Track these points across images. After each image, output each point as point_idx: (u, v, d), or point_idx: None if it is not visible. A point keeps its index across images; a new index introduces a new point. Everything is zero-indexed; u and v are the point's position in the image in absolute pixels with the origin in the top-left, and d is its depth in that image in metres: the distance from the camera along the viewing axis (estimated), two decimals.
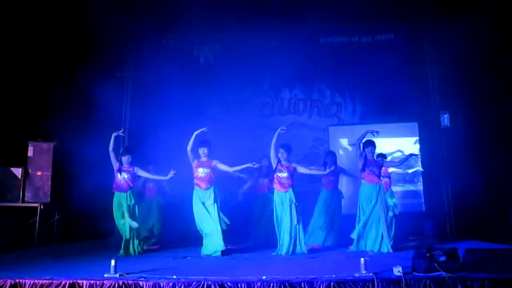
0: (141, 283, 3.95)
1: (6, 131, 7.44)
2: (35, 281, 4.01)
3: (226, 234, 6.20)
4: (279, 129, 6.24)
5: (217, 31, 9.20)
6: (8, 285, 4.01)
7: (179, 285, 3.90)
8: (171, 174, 6.19)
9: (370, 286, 3.86)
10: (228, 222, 6.14)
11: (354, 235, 6.19)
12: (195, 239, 6.93)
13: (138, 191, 6.84)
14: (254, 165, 6.15)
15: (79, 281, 3.99)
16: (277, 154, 6.21)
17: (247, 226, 7.48)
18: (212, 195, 6.12)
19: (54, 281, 4.00)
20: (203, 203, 6.10)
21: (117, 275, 4.19)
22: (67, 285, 3.97)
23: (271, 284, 3.86)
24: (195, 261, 5.55)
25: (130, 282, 3.96)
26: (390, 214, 6.90)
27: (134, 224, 6.19)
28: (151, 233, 7.25)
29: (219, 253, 5.95)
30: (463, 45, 7.49)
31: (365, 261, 4.20)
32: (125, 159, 6.35)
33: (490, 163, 7.17)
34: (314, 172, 6.77)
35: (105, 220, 7.52)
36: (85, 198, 7.55)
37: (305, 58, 8.90)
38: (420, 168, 7.94)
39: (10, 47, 7.50)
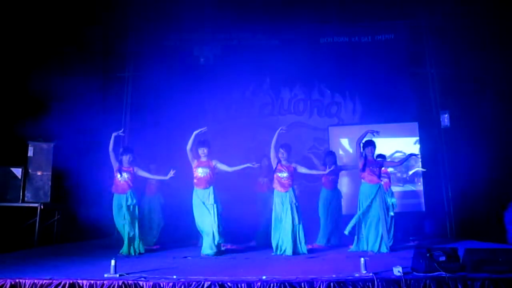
0: (141, 283, 3.95)
1: (6, 131, 7.43)
2: (35, 281, 4.01)
3: (226, 234, 6.20)
4: (279, 129, 6.25)
5: (217, 31, 9.20)
6: (8, 285, 4.01)
7: (179, 285, 3.90)
8: (171, 174, 6.19)
9: (370, 286, 3.87)
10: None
11: (346, 231, 6.17)
12: (195, 239, 6.95)
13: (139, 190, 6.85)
14: (254, 165, 6.15)
15: (79, 281, 3.99)
16: (277, 154, 6.21)
17: (247, 226, 7.48)
18: (212, 195, 6.12)
19: (54, 281, 4.00)
20: (203, 203, 6.11)
21: (117, 275, 4.19)
22: (67, 285, 3.97)
23: (271, 284, 3.86)
24: (195, 261, 5.55)
25: (130, 282, 3.97)
26: (391, 213, 6.91)
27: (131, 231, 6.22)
28: (151, 233, 7.25)
29: (219, 253, 5.96)
30: (463, 45, 7.50)
31: (365, 261, 4.20)
32: (125, 158, 6.35)
33: (490, 163, 7.16)
34: (314, 172, 6.78)
35: (105, 220, 7.53)
36: (85, 198, 7.55)
37: (305, 58, 8.90)
38: (420, 168, 7.94)
39: (10, 47, 7.49)
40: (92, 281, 3.99)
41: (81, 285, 3.97)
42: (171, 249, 6.71)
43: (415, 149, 8.20)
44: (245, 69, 8.98)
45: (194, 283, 3.90)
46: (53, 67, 7.85)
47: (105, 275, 4.18)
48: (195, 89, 9.04)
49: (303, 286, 3.85)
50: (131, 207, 6.26)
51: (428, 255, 4.14)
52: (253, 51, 9.15)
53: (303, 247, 6.04)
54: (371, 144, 6.35)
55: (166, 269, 4.65)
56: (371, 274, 4.02)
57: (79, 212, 7.64)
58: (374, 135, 6.32)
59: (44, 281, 4.01)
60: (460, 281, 3.88)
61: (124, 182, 6.27)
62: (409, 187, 8.46)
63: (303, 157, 8.49)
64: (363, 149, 6.34)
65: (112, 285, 3.96)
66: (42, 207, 7.31)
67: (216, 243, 6.05)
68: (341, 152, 8.61)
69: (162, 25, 8.96)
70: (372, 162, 6.32)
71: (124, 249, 6.16)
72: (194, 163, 6.22)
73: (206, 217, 6.07)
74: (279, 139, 6.24)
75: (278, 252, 6.00)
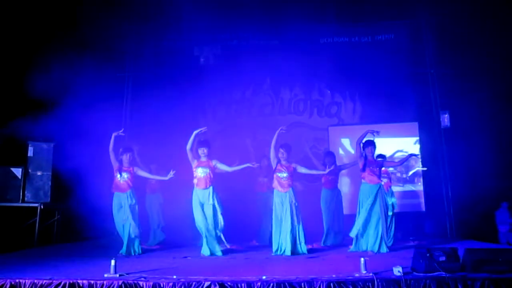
0: (141, 283, 3.95)
1: (6, 131, 7.43)
2: (35, 281, 4.02)
3: (226, 234, 6.20)
4: (279, 129, 6.24)
5: (217, 31, 9.20)
6: (8, 285, 4.01)
7: (179, 285, 3.91)
8: (171, 174, 6.19)
9: (370, 286, 3.87)
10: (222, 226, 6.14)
11: (353, 234, 6.19)
12: (195, 239, 6.94)
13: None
14: (254, 165, 6.15)
15: (79, 281, 3.99)
16: (277, 154, 6.21)
17: (247, 226, 7.48)
18: (212, 195, 6.12)
19: (54, 281, 4.01)
20: (202, 203, 6.11)
21: (117, 275, 4.19)
22: (67, 285, 3.97)
23: (271, 284, 3.87)
24: (195, 261, 5.55)
25: (130, 282, 3.97)
26: (390, 213, 6.92)
27: (134, 230, 6.22)
28: (151, 233, 7.25)
29: (219, 253, 5.96)
30: (463, 45, 7.50)
31: (365, 261, 4.20)
32: (125, 158, 6.35)
33: (490, 163, 7.17)
34: (314, 172, 6.78)
35: (105, 220, 7.53)
36: (85, 198, 7.54)
37: (305, 58, 8.89)
38: (421, 168, 7.93)
39: (9, 47, 7.49)
40: (92, 281, 3.99)
41: (81, 285, 3.98)
42: (171, 249, 6.71)
43: (415, 149, 8.20)
44: (245, 69, 8.97)
45: (194, 283, 3.91)
46: (53, 67, 7.85)
47: (105, 275, 4.18)
48: (195, 89, 9.04)
49: (303, 286, 3.85)
50: (131, 207, 6.26)
51: (428, 255, 4.14)
52: (253, 51, 9.14)
53: (303, 247, 6.04)
54: (371, 144, 6.35)
55: (166, 269, 4.65)
56: (371, 274, 4.02)
57: (79, 212, 7.65)
58: (374, 135, 6.32)
59: (44, 281, 4.01)
60: (460, 281, 3.89)
61: (124, 182, 6.27)
62: (409, 187, 8.46)
63: (303, 157, 8.49)
64: (363, 149, 6.33)
65: (112, 285, 3.96)
66: (42, 207, 7.32)
67: (216, 243, 6.05)
68: (341, 152, 8.61)
69: (162, 25, 8.96)
70: (372, 162, 6.31)
71: (124, 249, 6.16)
72: (194, 163, 6.22)
73: (205, 217, 6.07)
74: (279, 139, 6.24)
75: (278, 252, 6.00)
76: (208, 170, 6.16)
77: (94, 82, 7.78)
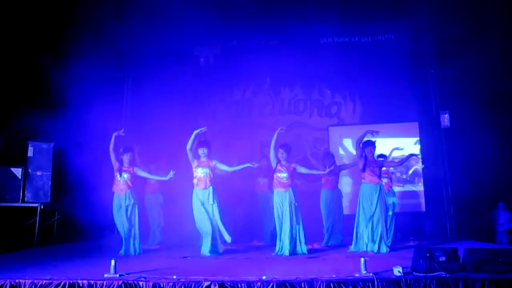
0: (141, 283, 3.95)
1: (6, 131, 7.43)
2: (35, 281, 4.01)
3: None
4: (278, 129, 6.24)
5: (217, 31, 9.19)
6: (8, 285, 4.01)
7: (179, 285, 3.90)
8: (170, 174, 6.19)
9: (370, 286, 3.87)
10: (229, 240, 6.10)
11: (354, 235, 6.20)
12: (195, 239, 6.94)
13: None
14: (254, 165, 6.15)
15: (79, 281, 3.99)
16: (276, 154, 6.21)
17: (247, 226, 7.48)
18: (211, 195, 6.12)
19: (54, 281, 4.00)
20: (203, 203, 6.11)
21: (117, 275, 4.19)
22: (67, 285, 3.97)
23: (271, 284, 3.86)
24: (195, 261, 5.55)
25: (130, 282, 3.97)
26: (390, 213, 6.92)
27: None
28: (151, 233, 7.25)
29: (218, 253, 5.96)
30: (463, 45, 7.50)
31: (365, 261, 4.20)
32: (125, 157, 6.35)
33: (490, 163, 7.17)
34: (314, 172, 6.79)
35: (105, 220, 7.53)
36: (85, 198, 7.55)
37: (305, 58, 8.90)
38: (420, 165, 7.90)
39: (10, 47, 7.49)
40: (92, 281, 3.99)
41: (81, 285, 3.97)
42: (171, 249, 6.70)
43: (415, 149, 8.20)
44: (245, 69, 8.98)
45: (194, 283, 3.90)
46: (53, 67, 7.86)
47: (105, 275, 4.18)
48: (195, 89, 9.04)
49: (303, 286, 3.85)
50: (130, 207, 6.26)
51: (428, 255, 4.14)
52: (253, 51, 9.14)
53: (303, 247, 6.04)
54: (370, 144, 6.34)
55: (166, 269, 4.64)
56: (371, 274, 4.01)
57: (79, 212, 7.65)
58: (373, 135, 6.32)
59: (44, 281, 4.01)
60: (460, 281, 3.88)
61: (123, 182, 6.27)
62: (409, 187, 8.46)
63: (303, 157, 8.49)
64: (363, 149, 6.33)
65: (112, 285, 3.96)
66: (42, 207, 7.31)
67: (215, 243, 6.05)
68: (341, 152, 8.61)
69: (162, 25, 8.96)
70: (372, 162, 6.31)
71: (124, 249, 6.16)
72: (194, 163, 6.22)
73: (205, 217, 6.07)
74: (278, 139, 6.24)
75: (279, 252, 6.00)
76: (208, 170, 6.16)
77: (94, 82, 7.79)
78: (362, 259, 4.23)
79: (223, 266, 4.99)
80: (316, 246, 6.86)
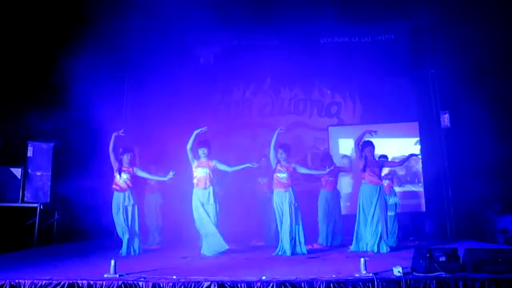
0: (141, 283, 3.94)
1: (6, 131, 7.43)
2: (35, 281, 4.01)
3: (226, 234, 6.19)
4: (278, 129, 6.24)
5: (217, 31, 9.19)
6: (8, 285, 4.01)
7: (179, 285, 3.90)
8: (170, 174, 6.19)
9: (370, 286, 3.86)
10: (227, 247, 6.04)
11: (354, 235, 6.21)
12: (195, 239, 6.94)
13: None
14: (254, 165, 6.16)
15: (78, 281, 3.98)
16: (276, 154, 6.21)
17: (247, 226, 7.48)
18: (211, 195, 6.12)
19: (53, 281, 4.00)
20: (202, 204, 6.11)
21: (117, 275, 4.18)
22: (66, 285, 3.97)
23: (271, 284, 3.86)
24: (195, 261, 5.55)
25: (130, 282, 3.96)
26: (392, 213, 6.93)
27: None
28: (151, 233, 7.25)
29: (218, 253, 5.96)
30: (463, 45, 7.49)
31: (365, 261, 4.20)
32: (125, 158, 6.35)
33: (490, 163, 7.16)
34: (314, 172, 6.80)
35: (105, 220, 7.52)
36: (85, 198, 7.54)
37: (305, 58, 8.90)
38: (417, 154, 7.79)
39: (10, 47, 7.49)
40: (91, 281, 3.98)
41: (80, 285, 3.97)
42: (171, 249, 6.70)
43: (416, 149, 8.20)
44: (245, 69, 8.98)
45: (194, 283, 3.90)
46: (52, 67, 7.86)
47: (105, 275, 4.18)
48: (195, 89, 9.03)
49: (303, 286, 3.85)
50: (130, 207, 6.26)
51: (428, 255, 4.14)
52: (253, 51, 9.14)
53: (302, 248, 6.03)
54: (370, 144, 6.34)
55: (166, 269, 4.64)
56: (371, 274, 4.01)
57: (79, 212, 7.65)
58: (372, 135, 6.32)
59: (44, 281, 4.00)
60: (460, 281, 3.88)
61: (123, 182, 6.27)
62: (409, 187, 8.46)
63: (303, 157, 8.50)
64: (363, 150, 6.33)
65: (111, 285, 3.95)
66: (41, 207, 7.31)
67: (216, 242, 6.04)
68: (341, 152, 8.60)
69: (162, 25, 8.96)
70: (372, 163, 6.31)
71: (124, 249, 6.16)
72: (194, 163, 6.23)
73: (205, 218, 6.07)
74: (278, 139, 6.24)
75: (279, 253, 6.00)
76: (208, 170, 6.17)
77: (94, 82, 7.77)
78: (362, 259, 4.22)
79: (223, 266, 4.99)
80: (316, 246, 6.86)
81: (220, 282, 3.88)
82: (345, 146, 8.60)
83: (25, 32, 7.65)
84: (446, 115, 8.39)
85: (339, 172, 7.29)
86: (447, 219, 8.32)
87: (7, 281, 4.03)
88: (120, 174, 6.26)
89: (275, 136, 6.20)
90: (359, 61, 8.87)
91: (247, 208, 7.50)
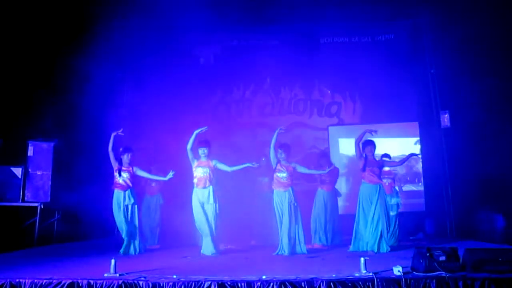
0: (141, 283, 3.95)
1: (6, 131, 7.43)
2: (35, 281, 4.01)
3: (226, 234, 6.20)
4: (278, 129, 6.25)
5: (217, 31, 9.19)
6: (8, 285, 4.01)
7: (179, 285, 3.90)
8: (170, 174, 6.20)
9: (370, 286, 3.87)
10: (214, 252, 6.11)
11: (353, 235, 6.21)
12: (195, 239, 6.94)
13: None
14: (254, 165, 6.17)
15: (78, 281, 3.99)
16: (276, 154, 6.21)
17: (247, 226, 7.47)
18: (211, 195, 6.13)
19: (53, 281, 4.00)
20: (202, 203, 6.12)
21: (117, 275, 4.19)
22: (66, 285, 3.97)
23: (271, 284, 3.86)
24: (195, 261, 5.55)
25: (130, 282, 3.97)
26: (393, 213, 6.94)
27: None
28: (151, 232, 7.25)
29: (217, 253, 5.96)
30: (463, 45, 7.49)
31: (365, 261, 4.20)
32: (125, 157, 6.35)
33: (490, 163, 7.16)
34: (314, 171, 6.81)
35: (105, 220, 7.53)
36: (85, 198, 7.54)
37: (305, 58, 8.90)
38: (417, 153, 7.77)
39: (10, 47, 7.49)
40: (91, 281, 3.99)
41: (80, 284, 3.97)
42: (171, 249, 6.70)
43: (416, 149, 8.20)
44: (245, 69, 8.99)
45: (194, 283, 3.90)
46: (52, 67, 7.86)
47: (105, 275, 4.18)
48: (195, 89, 9.03)
49: (303, 286, 3.85)
50: (130, 206, 6.26)
51: (428, 254, 4.14)
52: (253, 51, 9.15)
53: (302, 247, 6.04)
54: (370, 143, 6.35)
55: (166, 269, 4.64)
56: (371, 274, 4.01)
57: (79, 211, 7.65)
58: (372, 135, 6.33)
59: (44, 281, 4.01)
60: (460, 281, 3.88)
61: (123, 181, 6.28)
62: (409, 187, 8.46)
63: (303, 157, 8.50)
64: (363, 149, 6.34)
65: (112, 285, 3.95)
66: (42, 206, 7.31)
67: (216, 242, 6.05)
68: (341, 152, 8.61)
69: (162, 25, 8.96)
70: (372, 162, 6.31)
71: (124, 249, 6.16)
72: (194, 163, 6.24)
73: (205, 217, 6.08)
74: (278, 139, 6.25)
75: (279, 252, 6.00)
76: (208, 170, 6.18)
77: (94, 82, 7.77)
78: (362, 258, 4.23)
79: (223, 266, 4.99)
80: (316, 246, 6.86)
81: (220, 282, 3.88)
82: (345, 146, 8.61)
83: (25, 32, 7.65)
84: (446, 115, 8.38)
85: (338, 172, 7.30)
86: (447, 219, 8.32)
87: (8, 280, 4.03)
88: (120, 173, 6.27)
89: (275, 136, 6.21)
90: (359, 61, 8.86)
91: (247, 208, 7.50)
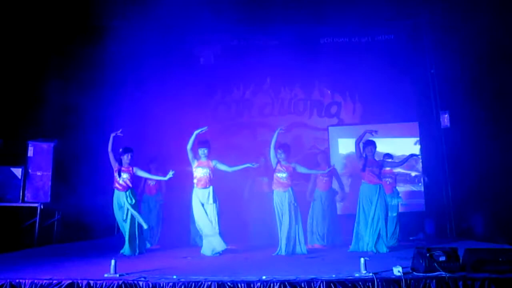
0: (141, 283, 3.95)
1: (6, 131, 7.43)
2: (35, 281, 4.01)
3: (226, 234, 6.20)
4: (278, 129, 6.26)
5: (217, 31, 9.19)
6: (8, 285, 4.01)
7: (179, 285, 3.90)
8: (170, 174, 6.20)
9: (370, 286, 3.86)
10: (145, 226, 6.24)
11: (353, 235, 6.21)
12: (195, 239, 6.95)
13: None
14: (253, 165, 6.17)
15: (79, 281, 3.99)
16: (276, 154, 6.21)
17: (247, 226, 7.48)
18: (211, 195, 6.13)
19: (54, 281, 4.00)
20: (202, 203, 6.11)
21: (117, 275, 4.19)
22: (67, 285, 3.97)
23: (271, 284, 3.86)
24: (195, 261, 5.55)
25: (130, 282, 3.97)
26: (394, 214, 6.94)
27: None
28: (151, 232, 7.25)
29: (218, 253, 5.96)
30: (463, 45, 7.48)
31: (365, 261, 4.20)
32: (125, 157, 6.35)
33: (490, 163, 7.15)
34: (314, 171, 6.81)
35: (105, 220, 7.53)
36: (85, 198, 7.54)
37: (305, 58, 8.90)
38: (417, 154, 7.76)
39: (10, 47, 7.49)
40: (92, 281, 3.99)
41: (80, 285, 3.97)
42: (171, 249, 6.71)
43: (416, 149, 8.20)
44: (245, 69, 8.99)
45: (194, 283, 3.90)
46: (52, 67, 7.86)
47: (105, 275, 4.18)
48: (195, 89, 9.03)
49: (303, 286, 3.85)
50: (131, 206, 6.26)
51: (428, 255, 4.14)
52: (253, 51, 9.15)
53: (302, 247, 6.04)
54: (371, 144, 6.35)
55: (166, 269, 4.65)
56: (371, 274, 4.01)
57: (79, 211, 7.65)
58: (372, 135, 6.33)
59: (44, 281, 4.00)
60: (460, 281, 3.88)
61: (123, 182, 6.28)
62: (409, 187, 8.46)
63: (303, 157, 8.50)
64: (364, 149, 6.34)
65: (112, 285, 3.95)
66: (42, 207, 7.31)
67: (216, 242, 6.05)
68: (341, 151, 8.61)
69: (162, 25, 8.95)
70: (372, 162, 6.31)
71: (125, 249, 6.16)
72: (194, 163, 6.24)
73: (205, 217, 6.08)
74: (278, 139, 6.25)
75: (279, 253, 6.00)
76: (208, 170, 6.18)
77: (93, 82, 7.78)
78: (362, 259, 4.22)
79: (223, 266, 4.99)
80: (316, 246, 6.87)
81: (220, 282, 3.88)
82: (345, 146, 8.61)
83: (25, 32, 7.65)
84: (446, 115, 8.38)
85: (336, 171, 7.31)
86: (447, 219, 8.32)
87: (8, 281, 4.03)
88: (120, 174, 6.27)
89: (275, 136, 6.22)
90: (359, 61, 8.87)
91: (247, 208, 7.51)
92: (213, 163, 6.22)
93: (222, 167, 6.26)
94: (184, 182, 6.70)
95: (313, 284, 3.84)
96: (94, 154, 7.46)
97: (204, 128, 6.21)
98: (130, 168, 6.35)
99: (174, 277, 4.04)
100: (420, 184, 8.45)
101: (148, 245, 7.11)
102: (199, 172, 6.18)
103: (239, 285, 3.88)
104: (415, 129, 8.53)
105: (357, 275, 4.06)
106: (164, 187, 7.33)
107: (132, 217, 6.26)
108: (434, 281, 3.89)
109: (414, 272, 4.15)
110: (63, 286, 3.96)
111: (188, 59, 9.29)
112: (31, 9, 7.64)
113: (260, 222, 7.28)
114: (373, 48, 9.10)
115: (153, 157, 7.49)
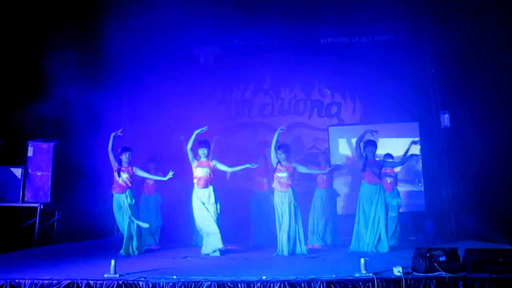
0: (141, 283, 3.95)
1: (6, 131, 7.43)
2: (35, 281, 4.01)
3: (226, 234, 6.20)
4: (278, 129, 6.26)
5: (217, 31, 9.19)
6: (8, 285, 4.01)
7: (179, 285, 3.90)
8: (170, 174, 6.20)
9: (370, 286, 3.86)
10: (147, 226, 6.30)
11: (353, 235, 6.21)
12: (195, 239, 6.95)
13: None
14: (253, 165, 6.17)
15: (78, 281, 3.99)
16: (277, 154, 6.22)
17: (247, 226, 7.48)
18: (212, 195, 6.13)
19: (53, 281, 4.00)
20: (203, 203, 6.11)
21: (117, 275, 4.19)
22: (66, 285, 3.97)
23: (271, 284, 3.86)
24: (195, 261, 5.55)
25: (130, 282, 3.97)
26: (394, 214, 6.94)
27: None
28: (151, 232, 7.25)
29: (218, 253, 5.96)
30: (463, 45, 7.48)
31: (365, 261, 4.20)
32: (124, 157, 6.35)
33: (490, 163, 7.15)
34: (314, 171, 6.81)
35: (105, 220, 7.53)
36: (85, 198, 7.55)
37: (305, 58, 8.91)
38: (416, 153, 7.76)
39: (10, 47, 7.50)
40: (91, 281, 3.99)
41: (80, 285, 3.97)
42: (171, 249, 6.71)
43: (416, 149, 8.20)
44: (245, 69, 8.99)
45: (194, 283, 3.90)
46: (52, 67, 7.86)
47: (105, 275, 4.18)
48: (195, 89, 9.04)
49: (303, 286, 3.85)
50: (131, 206, 6.26)
51: (428, 255, 4.14)
52: (253, 51, 9.15)
53: (302, 247, 6.04)
54: (371, 143, 6.35)
55: (166, 269, 4.65)
56: (371, 274, 4.01)
57: (79, 212, 7.65)
58: (373, 135, 6.33)
59: (44, 281, 4.00)
60: (460, 281, 3.88)
61: (122, 182, 6.28)
62: (409, 187, 8.46)
63: (303, 157, 8.50)
64: (364, 149, 6.34)
65: (111, 285, 3.95)
66: (42, 207, 7.31)
67: (216, 242, 6.04)
68: (341, 152, 8.61)
69: (162, 25, 8.96)
70: (372, 162, 6.31)
71: (124, 249, 6.16)
72: (194, 163, 6.23)
73: (205, 217, 6.08)
74: (279, 139, 6.25)
75: (279, 253, 6.00)
76: (208, 170, 6.18)
77: (93, 82, 7.78)
78: (362, 259, 4.22)
79: (223, 266, 4.99)
80: (316, 246, 6.86)
81: (220, 282, 3.88)
82: (345, 146, 8.61)
83: (25, 32, 7.65)
84: (446, 115, 8.38)
85: (335, 171, 7.32)
86: (447, 219, 8.32)
87: (8, 281, 4.03)
88: (119, 174, 6.27)
89: (275, 136, 6.21)
90: (359, 61, 8.88)
91: (246, 208, 7.51)
92: (213, 163, 6.22)
93: (222, 167, 6.26)
94: (184, 182, 6.69)
95: (313, 284, 3.84)
96: (94, 154, 7.46)
97: (204, 128, 6.21)
98: (130, 168, 6.35)
99: (174, 277, 4.04)
100: (420, 184, 8.45)
101: (153, 243, 7.12)
102: (199, 172, 6.18)
103: (239, 285, 3.88)
104: (415, 129, 8.53)
105: (357, 275, 4.06)
106: (163, 187, 7.31)
107: (131, 217, 6.25)
108: (434, 281, 3.90)
109: (414, 272, 4.15)
110: (63, 286, 3.96)
111: (188, 59, 9.29)
112: (32, 8, 7.64)
113: (260, 222, 7.28)
114: (373, 48, 9.10)
115: (153, 156, 7.49)
